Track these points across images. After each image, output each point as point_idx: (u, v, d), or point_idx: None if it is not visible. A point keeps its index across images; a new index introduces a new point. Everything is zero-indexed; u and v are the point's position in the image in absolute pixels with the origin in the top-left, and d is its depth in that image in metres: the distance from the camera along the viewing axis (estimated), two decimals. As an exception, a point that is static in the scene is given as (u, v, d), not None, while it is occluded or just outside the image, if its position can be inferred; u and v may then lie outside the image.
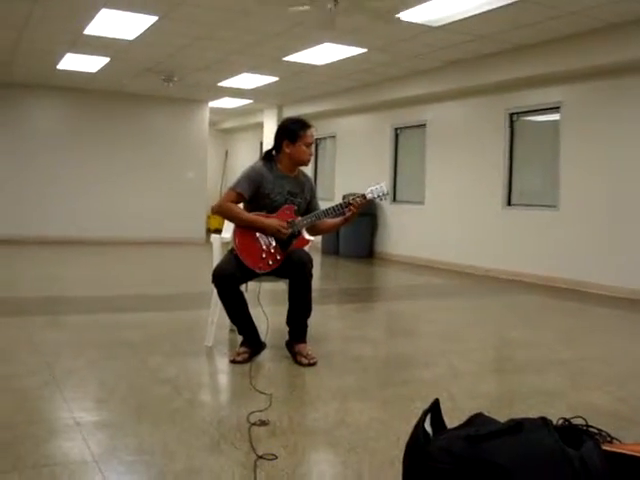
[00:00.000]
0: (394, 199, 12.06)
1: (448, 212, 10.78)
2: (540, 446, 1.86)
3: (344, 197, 4.34)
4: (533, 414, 2.24)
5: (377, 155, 12.43)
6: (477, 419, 2.08)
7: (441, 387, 3.88)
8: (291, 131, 4.35)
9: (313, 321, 4.44)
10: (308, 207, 4.50)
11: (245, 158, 16.83)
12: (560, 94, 8.86)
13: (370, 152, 12.69)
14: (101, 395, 3.52)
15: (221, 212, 4.37)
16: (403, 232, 11.76)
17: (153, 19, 7.86)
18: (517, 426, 1.93)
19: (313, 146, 4.50)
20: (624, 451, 2.01)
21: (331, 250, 12.37)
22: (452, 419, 2.29)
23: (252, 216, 4.26)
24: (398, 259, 11.70)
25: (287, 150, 4.35)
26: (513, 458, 1.81)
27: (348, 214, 4.30)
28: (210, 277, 4.25)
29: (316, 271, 4.32)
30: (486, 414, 2.21)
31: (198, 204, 14.67)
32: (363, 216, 11.21)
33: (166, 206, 14.16)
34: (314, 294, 4.34)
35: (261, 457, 2.69)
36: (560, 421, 2.26)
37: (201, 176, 14.81)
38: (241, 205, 4.34)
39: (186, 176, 14.54)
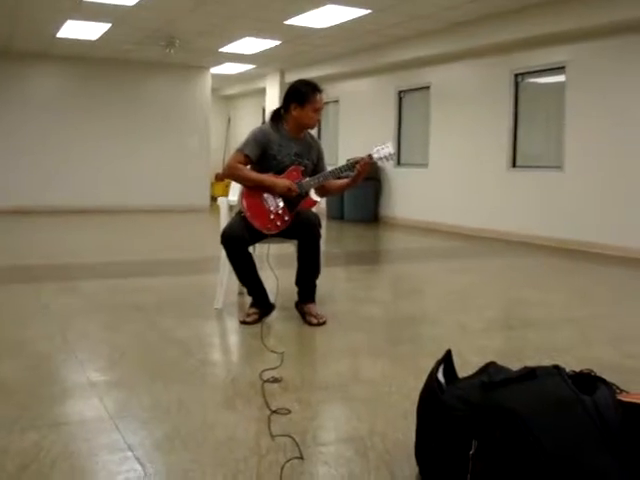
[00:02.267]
0: (398, 162, 12.01)
1: (452, 175, 10.75)
2: (554, 391, 1.87)
3: (348, 161, 4.33)
4: (543, 366, 2.26)
5: (381, 119, 12.36)
6: (489, 368, 2.09)
7: (449, 344, 3.83)
8: (301, 94, 4.29)
9: (321, 283, 4.46)
10: (315, 169, 4.48)
11: (248, 124, 16.75)
12: (565, 54, 8.79)
13: (374, 116, 12.61)
14: (114, 356, 3.55)
15: (230, 174, 4.36)
16: (408, 196, 11.74)
17: (154, -17, 7.80)
18: (531, 373, 1.95)
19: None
20: (634, 399, 2.03)
21: (336, 215, 12.36)
22: (461, 374, 2.30)
23: (262, 175, 4.25)
24: (403, 223, 11.70)
25: (294, 113, 4.32)
26: (528, 404, 1.83)
27: (354, 174, 4.29)
28: (217, 242, 4.27)
29: (322, 235, 4.32)
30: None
31: (201, 171, 14.65)
32: (367, 180, 11.17)
33: (170, 174, 14.15)
34: (321, 257, 4.35)
35: (275, 412, 2.72)
36: (571, 373, 2.28)
37: (204, 143, 14.76)
38: (248, 167, 4.34)
39: (189, 143, 14.50)
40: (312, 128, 4.46)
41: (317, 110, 4.32)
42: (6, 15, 9.49)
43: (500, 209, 9.84)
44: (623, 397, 2.07)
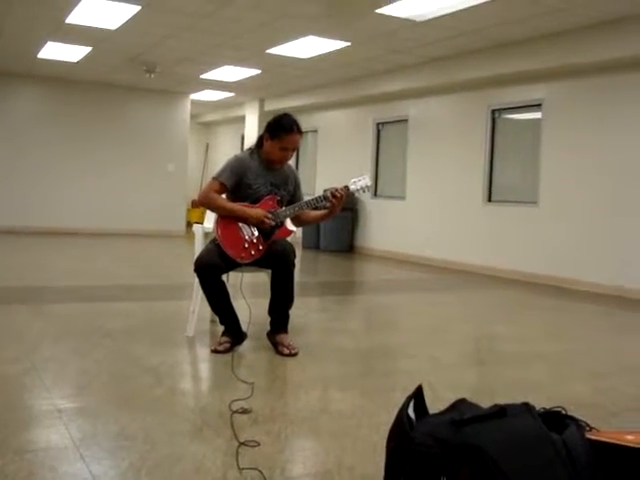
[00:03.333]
0: (375, 194, 12.08)
1: (429, 207, 10.82)
2: (523, 430, 1.87)
3: (325, 191, 4.33)
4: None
5: (359, 150, 12.44)
6: (461, 405, 2.09)
7: (422, 378, 3.86)
8: (276, 127, 4.29)
9: (294, 313, 4.44)
10: (292, 199, 4.48)
11: (226, 151, 16.75)
12: (542, 91, 8.93)
13: (352, 147, 12.69)
14: (82, 383, 3.50)
15: (204, 202, 4.35)
16: (384, 227, 11.78)
17: (136, 8, 7.81)
18: (501, 411, 1.95)
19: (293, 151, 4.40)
20: (603, 438, 2.04)
21: (312, 244, 12.37)
22: (432, 409, 2.29)
23: (236, 206, 4.24)
24: (379, 254, 11.73)
25: (265, 143, 4.33)
26: (497, 442, 1.82)
27: (330, 205, 4.29)
28: (191, 268, 4.24)
29: (297, 265, 4.31)
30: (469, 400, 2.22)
31: (178, 197, 14.62)
32: (344, 211, 11.21)
33: (146, 198, 14.09)
34: (295, 287, 4.34)
35: (243, 444, 2.69)
36: (541, 410, 2.28)
37: (182, 169, 14.75)
38: (224, 195, 4.33)
39: (167, 169, 14.48)
40: (275, 165, 4.38)
41: (285, 149, 4.29)
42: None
43: (475, 243, 9.90)
44: (593, 435, 2.07)
